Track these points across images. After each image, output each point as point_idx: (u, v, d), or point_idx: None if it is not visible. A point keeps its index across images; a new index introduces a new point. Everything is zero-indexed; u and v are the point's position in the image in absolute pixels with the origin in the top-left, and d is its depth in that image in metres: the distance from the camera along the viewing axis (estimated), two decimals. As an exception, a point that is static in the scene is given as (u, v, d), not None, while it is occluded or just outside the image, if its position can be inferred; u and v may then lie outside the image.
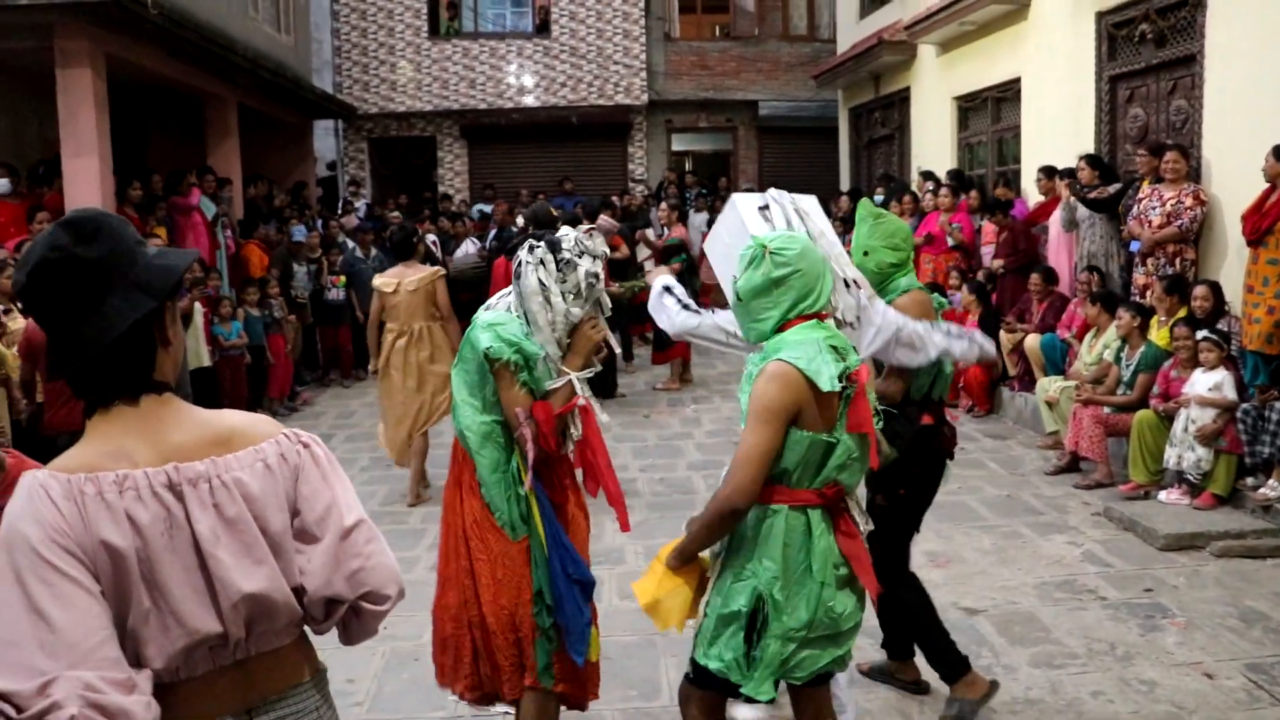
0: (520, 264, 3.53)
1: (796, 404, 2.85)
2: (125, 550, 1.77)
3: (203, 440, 1.91)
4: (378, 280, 7.72)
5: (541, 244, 3.54)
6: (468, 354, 3.46)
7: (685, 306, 3.92)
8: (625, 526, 3.66)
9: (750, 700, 3.06)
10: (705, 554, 3.11)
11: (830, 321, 3.11)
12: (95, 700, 1.64)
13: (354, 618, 2.01)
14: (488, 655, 3.48)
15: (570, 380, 3.48)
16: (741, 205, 3.96)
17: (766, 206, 3.91)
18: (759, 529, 2.95)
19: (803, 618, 2.92)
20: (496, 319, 3.47)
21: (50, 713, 1.62)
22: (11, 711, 1.63)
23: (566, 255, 3.50)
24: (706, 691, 3.12)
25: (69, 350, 1.86)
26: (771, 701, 3.06)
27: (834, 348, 2.95)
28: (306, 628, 2.04)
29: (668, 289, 3.99)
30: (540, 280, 3.47)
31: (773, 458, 2.87)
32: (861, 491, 3.35)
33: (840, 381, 2.88)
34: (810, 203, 4.07)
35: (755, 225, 3.81)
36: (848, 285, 3.78)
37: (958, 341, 4.10)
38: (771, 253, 3.00)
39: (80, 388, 1.90)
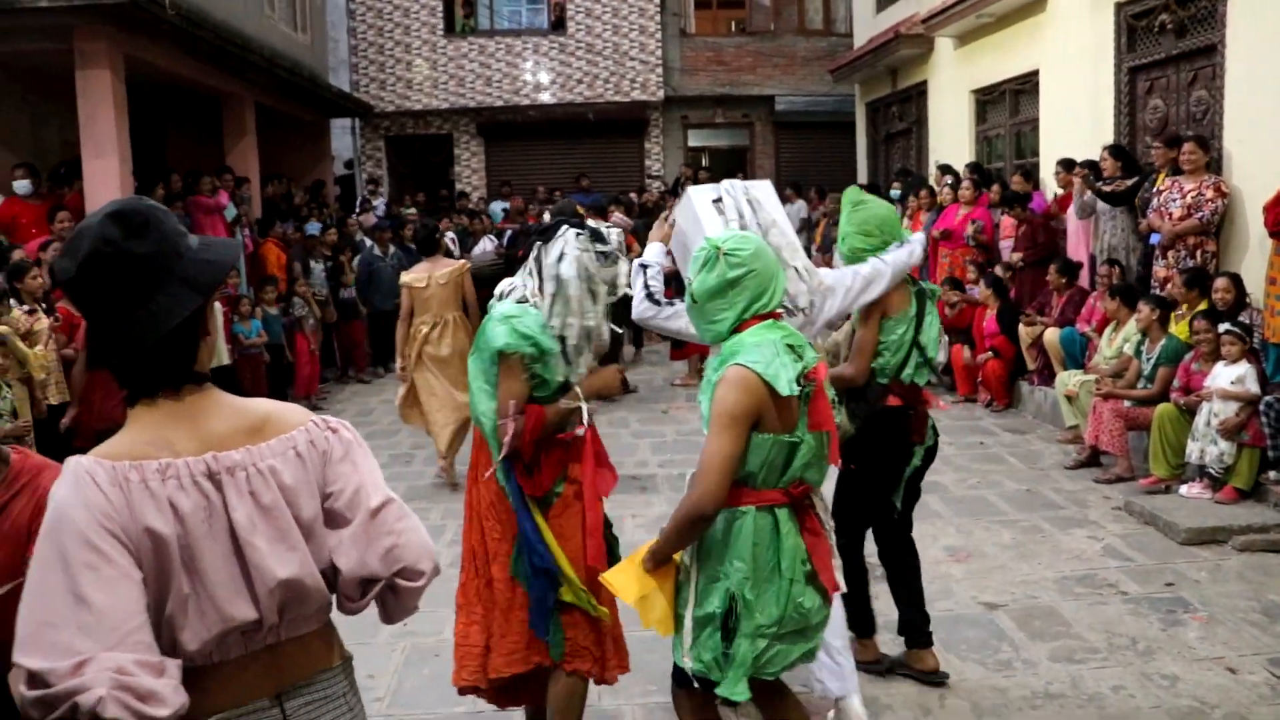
0: (562, 249, 3.55)
1: (757, 408, 2.87)
2: (168, 537, 1.81)
3: (238, 429, 1.95)
4: (407, 276, 7.93)
5: (584, 232, 3.58)
6: (483, 344, 3.50)
7: (650, 295, 3.93)
8: (595, 559, 3.61)
9: (728, 701, 3.08)
10: (678, 554, 3.13)
11: (785, 311, 3.14)
12: (126, 682, 1.68)
13: (391, 595, 2.04)
14: (486, 629, 3.57)
15: (580, 407, 3.53)
16: (696, 199, 4.01)
17: (720, 199, 3.97)
18: (728, 531, 2.98)
19: (774, 614, 2.95)
20: (512, 311, 3.50)
21: (81, 692, 1.65)
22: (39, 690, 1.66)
23: (608, 249, 3.56)
24: (693, 692, 3.14)
25: (116, 343, 1.88)
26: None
27: (790, 347, 2.97)
28: (338, 612, 2.06)
29: (644, 267, 4.01)
30: (587, 268, 3.52)
31: (737, 462, 2.89)
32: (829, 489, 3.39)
33: (799, 382, 2.90)
34: (764, 190, 4.12)
35: (709, 220, 3.87)
36: (798, 273, 3.85)
37: (902, 252, 4.33)
38: (725, 254, 3.02)
39: (125, 380, 1.93)
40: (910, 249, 4.36)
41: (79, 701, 1.64)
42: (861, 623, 4.68)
